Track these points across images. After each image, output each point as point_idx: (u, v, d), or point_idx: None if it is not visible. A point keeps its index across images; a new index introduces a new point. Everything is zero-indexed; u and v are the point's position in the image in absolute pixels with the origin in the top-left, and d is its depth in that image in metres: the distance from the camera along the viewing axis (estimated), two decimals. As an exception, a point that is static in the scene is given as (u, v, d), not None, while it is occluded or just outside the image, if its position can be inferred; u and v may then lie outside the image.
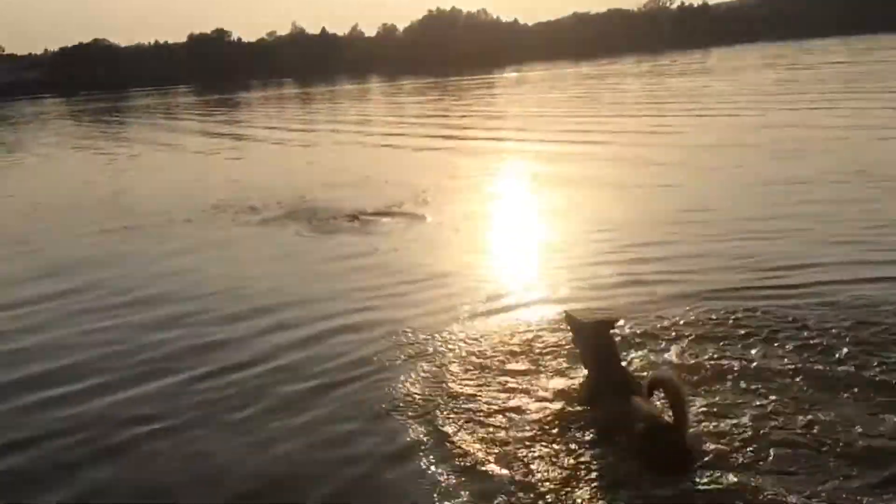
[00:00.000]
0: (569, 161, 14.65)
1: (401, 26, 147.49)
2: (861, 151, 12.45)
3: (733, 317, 5.59)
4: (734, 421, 4.14)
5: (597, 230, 8.87)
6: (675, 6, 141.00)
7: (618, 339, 4.94)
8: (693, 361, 4.92)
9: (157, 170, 19.26)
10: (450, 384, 4.94)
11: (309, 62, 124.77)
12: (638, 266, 7.26)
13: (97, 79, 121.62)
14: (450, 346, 5.58)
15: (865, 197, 9.29)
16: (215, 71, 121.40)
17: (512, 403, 4.63)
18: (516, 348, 5.40)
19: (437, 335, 5.81)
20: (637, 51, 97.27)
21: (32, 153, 26.28)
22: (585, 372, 4.67)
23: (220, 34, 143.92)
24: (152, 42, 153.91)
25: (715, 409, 4.26)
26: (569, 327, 4.90)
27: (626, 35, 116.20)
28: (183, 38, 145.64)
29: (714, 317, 5.60)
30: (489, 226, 10.36)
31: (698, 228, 8.50)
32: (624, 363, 4.66)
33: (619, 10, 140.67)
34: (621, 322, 5.34)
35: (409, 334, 5.90)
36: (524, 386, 4.82)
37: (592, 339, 4.54)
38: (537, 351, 5.32)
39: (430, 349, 5.58)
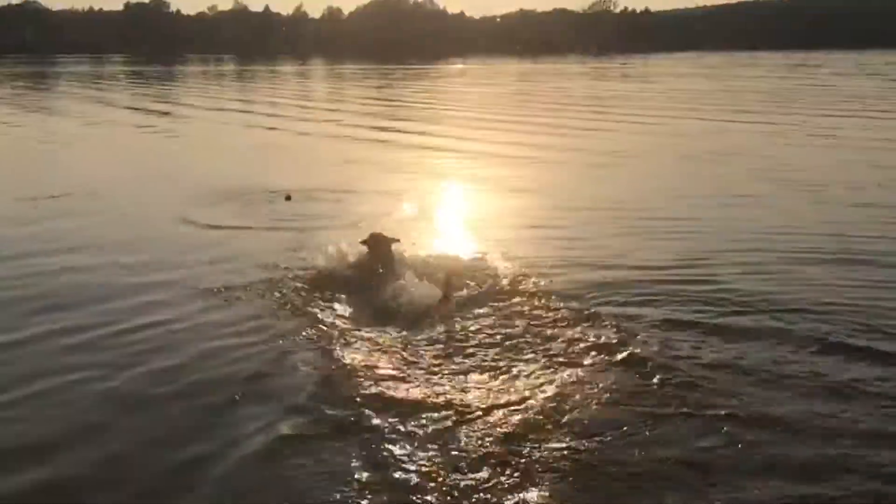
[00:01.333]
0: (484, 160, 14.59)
1: (346, 10, 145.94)
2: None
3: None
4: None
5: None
6: (618, 10, 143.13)
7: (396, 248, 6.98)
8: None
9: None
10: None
11: (250, 40, 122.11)
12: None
13: (25, 42, 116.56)
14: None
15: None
16: (152, 42, 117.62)
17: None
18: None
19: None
20: (579, 51, 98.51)
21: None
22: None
23: (158, 4, 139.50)
24: (86, 8, 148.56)
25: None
26: (369, 242, 6.93)
27: (570, 35, 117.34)
28: (119, 6, 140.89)
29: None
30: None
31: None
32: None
33: (565, 10, 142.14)
34: (400, 240, 7.08)
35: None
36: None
37: (381, 246, 6.90)
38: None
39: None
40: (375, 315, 5.91)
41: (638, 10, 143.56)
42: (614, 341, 5.25)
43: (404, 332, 5.57)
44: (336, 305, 6.14)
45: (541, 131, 18.52)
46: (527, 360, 5.02)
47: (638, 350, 5.08)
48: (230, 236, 8.51)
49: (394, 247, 6.95)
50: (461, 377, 4.84)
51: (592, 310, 5.84)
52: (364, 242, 6.89)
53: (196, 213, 9.34)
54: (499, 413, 4.32)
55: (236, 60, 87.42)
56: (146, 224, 9.22)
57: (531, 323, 5.68)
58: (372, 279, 6.52)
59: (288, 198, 9.86)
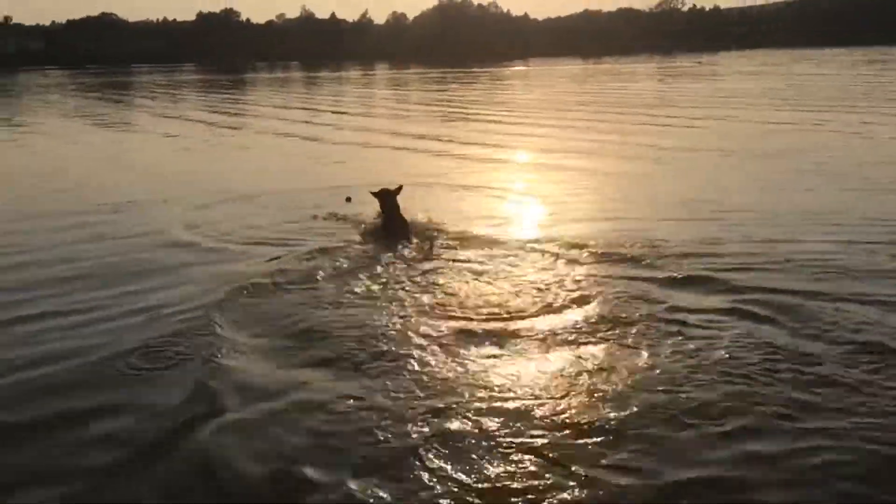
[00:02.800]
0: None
1: (411, 15, 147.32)
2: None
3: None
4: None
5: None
6: (685, 8, 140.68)
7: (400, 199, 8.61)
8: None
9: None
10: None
11: (317, 47, 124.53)
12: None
13: (103, 53, 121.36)
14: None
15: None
16: (222, 51, 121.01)
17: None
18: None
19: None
20: (646, 51, 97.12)
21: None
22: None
23: (229, 14, 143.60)
24: (160, 19, 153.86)
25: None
26: (375, 196, 8.65)
27: (636, 35, 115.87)
28: (191, 17, 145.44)
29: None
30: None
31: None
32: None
33: (630, 9, 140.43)
34: (403, 188, 8.76)
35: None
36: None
37: (387, 198, 8.56)
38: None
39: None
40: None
41: (707, 8, 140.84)
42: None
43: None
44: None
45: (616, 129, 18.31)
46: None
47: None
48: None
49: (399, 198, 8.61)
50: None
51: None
52: (374, 194, 8.68)
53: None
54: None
55: (303, 67, 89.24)
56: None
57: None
58: (381, 218, 8.66)
59: (348, 199, 10.22)
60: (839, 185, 10.79)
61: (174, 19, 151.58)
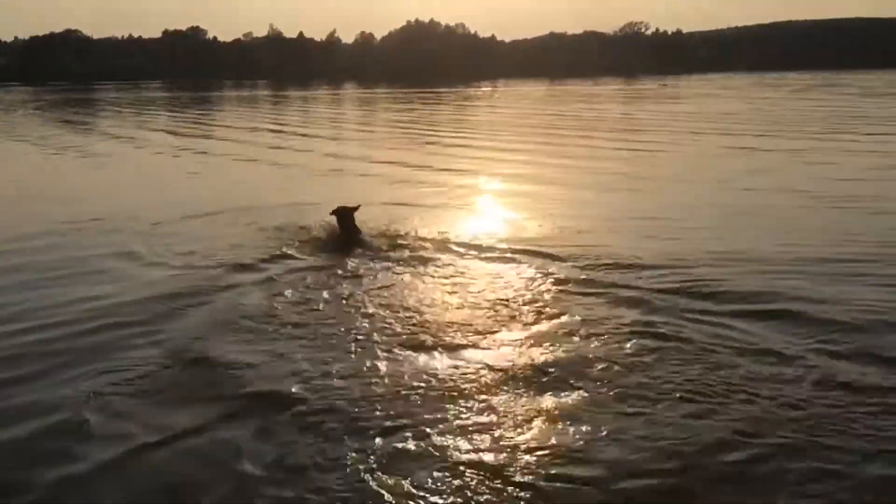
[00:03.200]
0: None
1: (378, 35, 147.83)
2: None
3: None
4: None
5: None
6: (649, 31, 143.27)
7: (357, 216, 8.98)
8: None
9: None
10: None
11: (284, 65, 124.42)
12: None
13: (67, 69, 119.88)
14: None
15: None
16: (189, 69, 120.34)
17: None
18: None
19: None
20: (611, 73, 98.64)
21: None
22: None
23: (196, 32, 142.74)
24: (125, 36, 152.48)
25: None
26: (333, 214, 8.94)
27: (601, 57, 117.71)
28: (157, 34, 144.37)
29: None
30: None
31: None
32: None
33: (595, 31, 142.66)
34: (360, 208, 9.04)
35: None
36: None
37: (345, 216, 8.89)
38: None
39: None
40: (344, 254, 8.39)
41: (670, 32, 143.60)
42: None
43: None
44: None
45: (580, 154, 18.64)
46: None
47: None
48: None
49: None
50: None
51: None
52: (332, 213, 8.99)
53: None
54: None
55: (270, 86, 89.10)
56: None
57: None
58: (339, 238, 8.92)
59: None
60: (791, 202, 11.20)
61: (139, 36, 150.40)
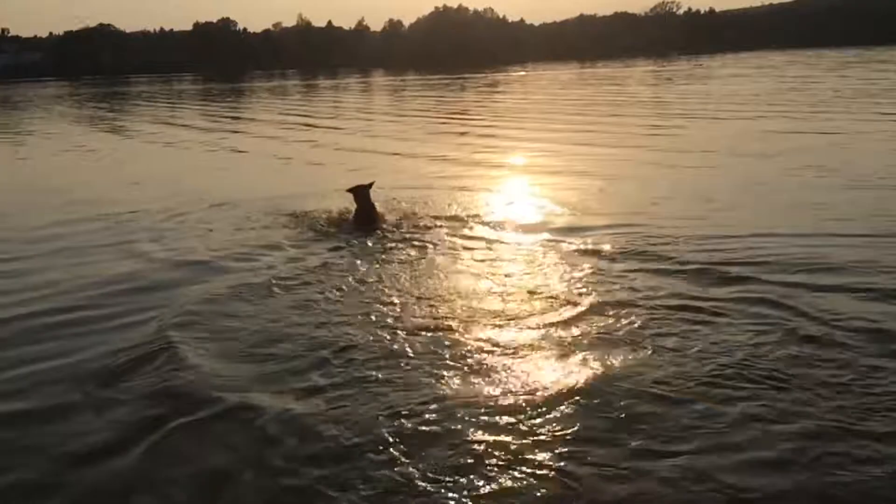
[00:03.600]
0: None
1: (407, 22, 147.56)
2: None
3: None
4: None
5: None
6: (681, 11, 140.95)
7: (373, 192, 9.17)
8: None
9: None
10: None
11: (314, 55, 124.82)
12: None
13: (101, 64, 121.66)
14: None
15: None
16: (220, 60, 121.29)
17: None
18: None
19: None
20: (642, 54, 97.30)
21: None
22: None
23: (226, 23, 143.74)
24: (157, 29, 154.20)
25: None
26: (351, 192, 9.12)
27: (632, 38, 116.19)
28: (188, 27, 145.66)
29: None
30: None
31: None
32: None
33: (626, 13, 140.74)
34: (375, 183, 9.30)
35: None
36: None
37: (360, 192, 9.05)
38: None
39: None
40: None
41: (702, 11, 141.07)
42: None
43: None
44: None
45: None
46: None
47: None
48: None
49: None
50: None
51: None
52: (349, 190, 9.20)
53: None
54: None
55: (300, 75, 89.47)
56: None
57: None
58: (358, 216, 9.08)
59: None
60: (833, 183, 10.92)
61: (171, 29, 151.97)
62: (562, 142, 17.65)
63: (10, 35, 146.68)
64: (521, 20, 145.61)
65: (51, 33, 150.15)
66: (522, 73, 69.02)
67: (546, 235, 8.25)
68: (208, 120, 30.86)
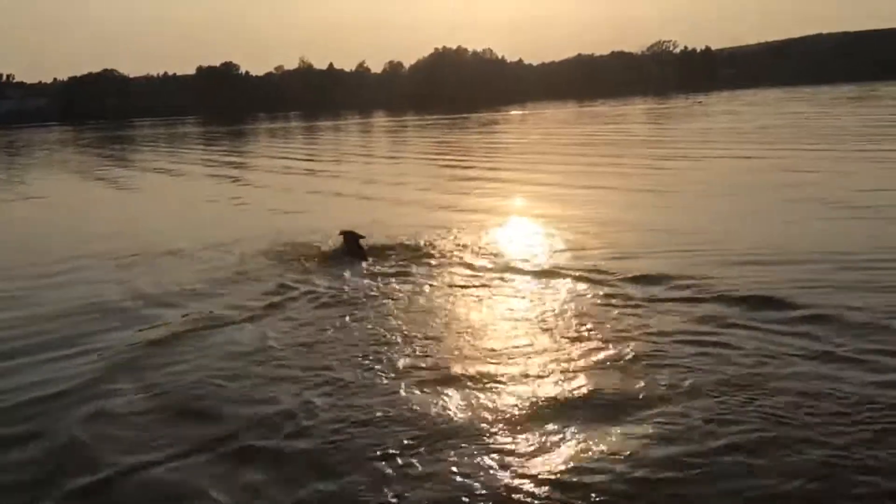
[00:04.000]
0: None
1: (407, 63, 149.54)
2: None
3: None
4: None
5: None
6: (677, 50, 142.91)
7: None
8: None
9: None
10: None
11: (316, 96, 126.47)
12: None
13: (106, 108, 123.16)
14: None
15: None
16: (222, 103, 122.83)
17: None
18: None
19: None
20: (639, 93, 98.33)
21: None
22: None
23: (229, 67, 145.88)
24: (161, 73, 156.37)
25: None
26: (342, 236, 9.78)
27: (630, 77, 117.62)
28: (191, 70, 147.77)
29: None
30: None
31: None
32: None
33: (623, 52, 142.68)
34: (365, 235, 9.82)
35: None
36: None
37: (350, 238, 9.69)
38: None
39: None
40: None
41: (698, 49, 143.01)
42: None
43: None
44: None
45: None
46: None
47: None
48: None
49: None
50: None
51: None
52: (342, 232, 9.85)
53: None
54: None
55: (302, 117, 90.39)
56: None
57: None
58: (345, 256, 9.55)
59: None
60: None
61: (174, 73, 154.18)
62: (559, 183, 17.77)
63: (14, 81, 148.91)
64: (520, 60, 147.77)
65: (55, 79, 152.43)
66: (521, 112, 69.70)
67: (541, 269, 8.37)
68: (213, 163, 31.10)
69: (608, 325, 6.31)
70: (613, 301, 6.99)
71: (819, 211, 11.46)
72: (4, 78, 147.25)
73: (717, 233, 10.16)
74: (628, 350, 5.68)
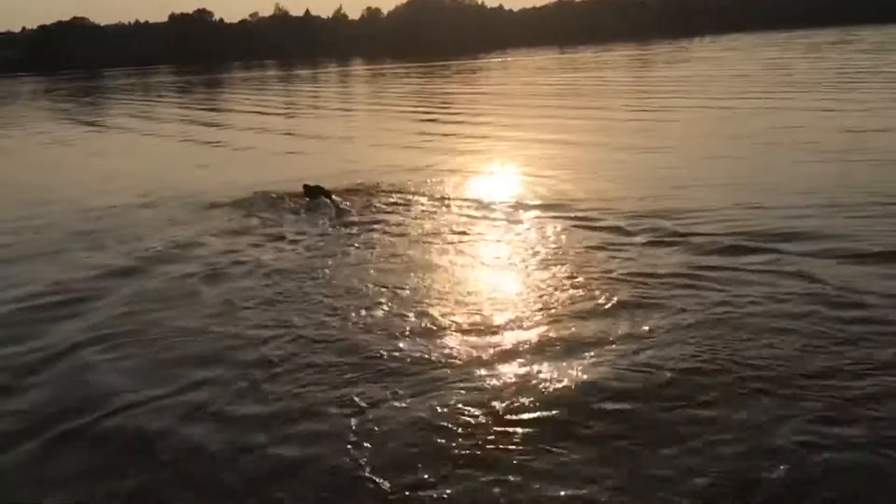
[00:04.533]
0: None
1: (385, 9, 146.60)
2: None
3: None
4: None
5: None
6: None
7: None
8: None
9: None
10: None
11: (292, 44, 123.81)
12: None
13: (76, 57, 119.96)
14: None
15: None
16: (196, 51, 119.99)
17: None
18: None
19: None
20: (622, 38, 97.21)
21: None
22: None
23: (202, 14, 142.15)
24: (133, 21, 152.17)
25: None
26: (304, 190, 10.29)
27: (612, 23, 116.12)
28: (164, 18, 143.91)
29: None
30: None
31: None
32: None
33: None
34: (329, 189, 10.13)
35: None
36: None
37: (314, 192, 10.13)
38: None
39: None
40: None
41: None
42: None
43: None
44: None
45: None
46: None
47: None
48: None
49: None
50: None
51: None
52: (304, 187, 10.33)
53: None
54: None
55: (278, 65, 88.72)
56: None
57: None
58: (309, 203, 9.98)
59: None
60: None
61: (146, 21, 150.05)
62: (541, 128, 17.71)
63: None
64: (500, 6, 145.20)
65: (24, 28, 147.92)
66: (501, 59, 68.81)
67: (530, 213, 8.47)
68: (184, 112, 30.61)
69: (591, 268, 6.40)
70: (594, 244, 7.10)
71: (800, 155, 11.55)
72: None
73: (704, 178, 10.22)
74: (610, 293, 5.77)
